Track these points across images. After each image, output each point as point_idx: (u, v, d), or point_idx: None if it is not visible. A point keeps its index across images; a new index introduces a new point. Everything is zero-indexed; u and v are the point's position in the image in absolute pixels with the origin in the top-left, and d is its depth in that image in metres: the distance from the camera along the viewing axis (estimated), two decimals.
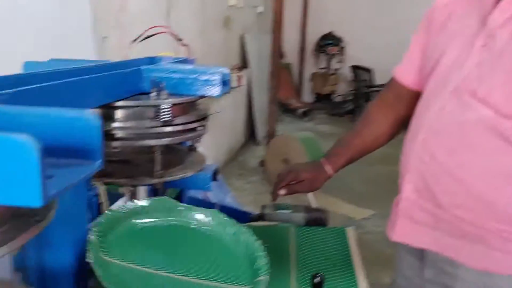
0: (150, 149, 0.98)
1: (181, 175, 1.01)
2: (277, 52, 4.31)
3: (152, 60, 1.29)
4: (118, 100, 0.93)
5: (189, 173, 1.03)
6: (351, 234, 1.25)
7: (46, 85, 0.65)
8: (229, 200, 3.07)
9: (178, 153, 1.14)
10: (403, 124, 1.29)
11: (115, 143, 0.92)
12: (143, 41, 2.54)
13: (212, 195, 3.07)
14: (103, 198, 0.90)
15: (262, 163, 4.66)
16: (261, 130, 5.60)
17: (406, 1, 6.76)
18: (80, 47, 2.03)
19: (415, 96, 1.21)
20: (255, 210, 4.02)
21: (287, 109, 7.42)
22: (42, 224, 0.46)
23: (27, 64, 1.00)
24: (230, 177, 4.48)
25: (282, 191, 1.33)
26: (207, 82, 1.01)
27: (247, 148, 5.52)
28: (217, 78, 1.01)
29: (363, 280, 1.06)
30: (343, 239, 1.23)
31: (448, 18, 1.12)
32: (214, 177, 1.17)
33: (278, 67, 4.37)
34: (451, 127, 1.01)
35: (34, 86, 0.60)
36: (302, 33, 8.12)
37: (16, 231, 0.43)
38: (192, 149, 1.15)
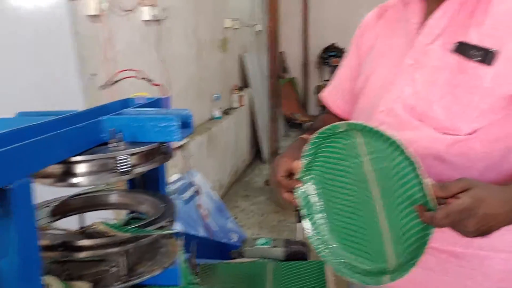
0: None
1: (148, 276, 0.99)
2: (275, 71, 4.32)
3: (125, 103, 1.30)
4: (78, 154, 0.94)
5: (156, 272, 1.01)
6: (329, 268, 1.23)
7: None
8: (230, 226, 3.07)
9: (150, 245, 1.10)
10: None
11: (81, 254, 0.93)
12: (129, 80, 2.56)
13: (212, 222, 3.07)
14: None
15: (267, 182, 4.65)
16: (266, 149, 5.60)
17: None
18: (67, 89, 2.06)
19: None
20: (260, 232, 4.02)
21: (293, 124, 7.42)
22: None
23: None
24: (235, 198, 4.48)
25: (287, 195, 1.04)
26: (165, 129, 1.02)
27: (253, 167, 5.52)
28: (175, 125, 1.01)
29: None
30: (320, 274, 1.21)
31: (375, 40, 1.16)
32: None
33: (277, 85, 4.38)
34: None
35: None
36: (304, 47, 8.15)
37: None
38: (165, 236, 1.13)
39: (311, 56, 8.24)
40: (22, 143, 0.79)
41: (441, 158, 0.95)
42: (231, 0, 5.05)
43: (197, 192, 2.93)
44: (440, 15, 1.00)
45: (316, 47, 8.11)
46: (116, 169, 0.96)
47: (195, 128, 3.96)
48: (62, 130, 0.90)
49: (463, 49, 0.94)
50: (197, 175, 3.09)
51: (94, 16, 2.29)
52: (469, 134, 0.94)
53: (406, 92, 1.01)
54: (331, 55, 8.01)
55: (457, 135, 0.94)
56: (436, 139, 0.95)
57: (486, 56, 0.91)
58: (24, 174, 0.78)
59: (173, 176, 2.92)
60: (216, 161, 4.27)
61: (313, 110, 8.24)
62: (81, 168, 0.95)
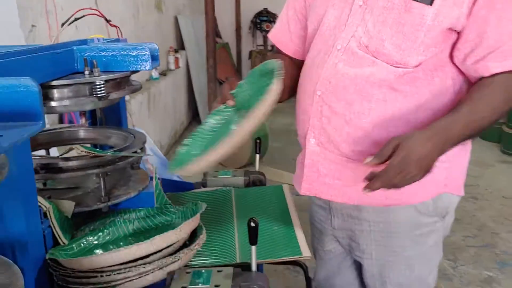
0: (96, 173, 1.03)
1: (125, 197, 1.07)
2: (212, 32, 4.34)
3: (83, 43, 1.32)
4: (52, 80, 0.97)
5: (132, 194, 1.09)
6: (287, 189, 1.35)
7: None
8: (177, 179, 3.13)
9: (122, 173, 1.18)
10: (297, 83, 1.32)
11: (63, 175, 0.98)
12: (75, 27, 2.52)
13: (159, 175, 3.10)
14: (53, 221, 0.94)
15: None
16: (203, 111, 5.64)
17: None
18: (9, 38, 2.00)
19: (300, 62, 1.29)
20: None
21: None
22: None
23: None
24: None
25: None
26: (137, 58, 1.07)
27: (192, 129, 5.55)
28: (146, 53, 1.07)
29: (299, 227, 1.17)
30: (280, 194, 1.33)
31: None
32: None
33: (214, 47, 4.41)
34: (347, 81, 1.11)
35: None
36: (236, 12, 8.14)
37: None
38: (134, 167, 1.19)
39: (244, 21, 8.25)
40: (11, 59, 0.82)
41: (394, 87, 1.08)
42: None
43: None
44: None
45: (248, 12, 8.13)
46: (93, 94, 1.01)
47: None
48: (37, 54, 0.93)
49: None
50: (141, 131, 3.09)
51: None
52: (416, 66, 1.07)
53: (359, 32, 1.10)
54: (263, 20, 8.07)
55: (407, 67, 1.07)
56: (390, 71, 1.08)
57: None
58: None
59: None
60: (157, 122, 4.27)
61: (247, 74, 8.31)
62: (59, 93, 0.99)
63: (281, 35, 1.38)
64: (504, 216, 3.34)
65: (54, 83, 0.96)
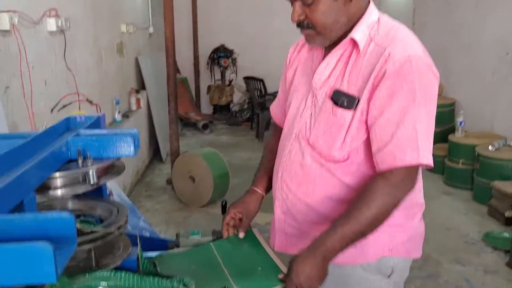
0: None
1: (113, 266, 1.24)
2: (173, 75, 4.55)
3: (68, 121, 1.48)
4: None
5: (118, 262, 1.25)
6: (257, 233, 1.52)
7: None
8: (143, 225, 3.27)
9: (108, 241, 1.29)
10: None
11: None
12: (47, 84, 2.65)
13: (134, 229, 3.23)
14: None
15: (169, 182, 4.86)
16: (164, 148, 5.79)
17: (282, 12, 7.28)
18: None
19: None
20: (167, 229, 4.20)
21: (187, 123, 7.66)
22: None
23: None
24: (139, 199, 4.64)
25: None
26: (123, 145, 1.26)
27: (153, 167, 5.69)
28: (130, 141, 1.26)
29: (279, 260, 1.33)
30: (253, 238, 1.49)
31: (294, 73, 1.46)
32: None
33: (175, 89, 4.61)
34: (297, 167, 1.36)
35: None
36: (194, 48, 8.38)
37: None
38: (119, 233, 1.35)
39: (202, 56, 8.49)
40: (24, 170, 0.99)
41: (333, 174, 1.31)
42: (125, 4, 5.16)
43: (109, 195, 3.08)
44: (324, 65, 1.31)
45: (206, 48, 8.39)
46: (86, 181, 1.19)
47: None
48: (45, 154, 1.11)
49: (337, 95, 1.26)
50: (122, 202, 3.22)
51: (6, 31, 2.37)
52: (344, 159, 1.29)
53: (307, 125, 1.34)
54: (221, 56, 8.34)
55: (334, 162, 1.30)
56: (325, 162, 1.31)
57: (351, 102, 1.24)
58: (31, 191, 0.99)
59: None
60: None
61: (206, 109, 8.53)
62: (58, 183, 1.16)
63: (277, 111, 1.61)
64: (447, 247, 3.65)
65: (54, 175, 1.14)
